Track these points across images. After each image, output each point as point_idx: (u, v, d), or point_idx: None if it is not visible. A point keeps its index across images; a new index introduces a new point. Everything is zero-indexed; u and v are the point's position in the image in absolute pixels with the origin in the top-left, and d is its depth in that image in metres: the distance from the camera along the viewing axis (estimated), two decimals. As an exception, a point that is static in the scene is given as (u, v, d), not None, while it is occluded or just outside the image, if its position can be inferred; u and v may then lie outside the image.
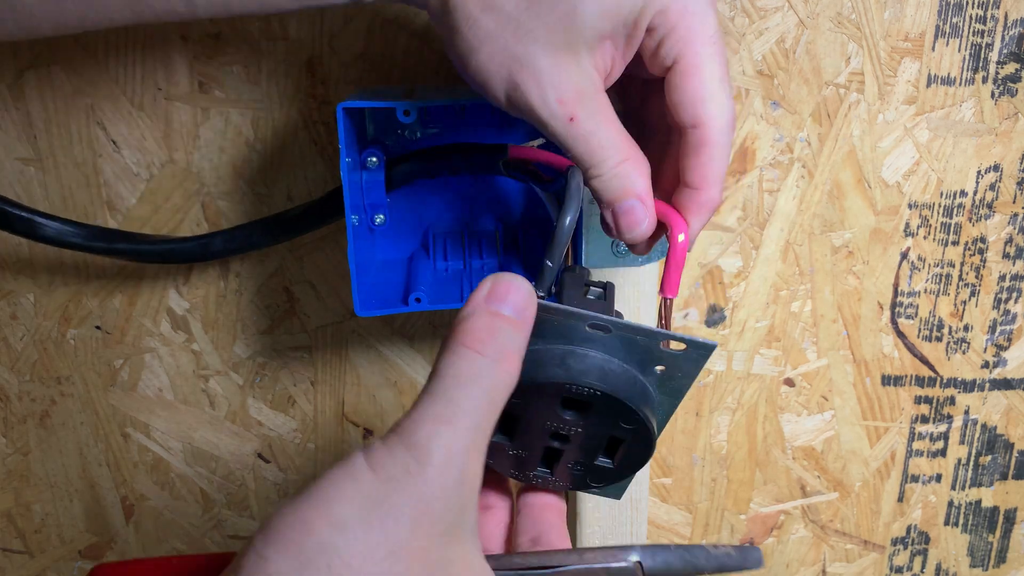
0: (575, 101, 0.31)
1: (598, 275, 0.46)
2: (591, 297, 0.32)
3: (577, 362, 0.29)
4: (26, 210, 0.41)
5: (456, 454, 0.24)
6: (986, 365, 0.55)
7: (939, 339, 0.54)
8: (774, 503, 0.57)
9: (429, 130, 0.42)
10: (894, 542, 0.59)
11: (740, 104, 0.48)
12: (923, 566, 0.60)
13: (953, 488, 0.58)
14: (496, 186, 0.44)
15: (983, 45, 0.48)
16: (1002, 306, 0.54)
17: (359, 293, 0.40)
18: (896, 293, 0.53)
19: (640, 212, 0.32)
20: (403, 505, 0.23)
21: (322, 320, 0.50)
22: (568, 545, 0.33)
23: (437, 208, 0.44)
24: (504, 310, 0.26)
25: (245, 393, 0.52)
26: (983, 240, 0.52)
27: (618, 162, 0.31)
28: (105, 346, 0.50)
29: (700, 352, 0.30)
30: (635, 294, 0.47)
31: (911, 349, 0.54)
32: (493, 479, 0.35)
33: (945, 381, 0.55)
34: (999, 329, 0.54)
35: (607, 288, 0.32)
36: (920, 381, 0.55)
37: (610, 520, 0.51)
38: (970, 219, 0.52)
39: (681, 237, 0.32)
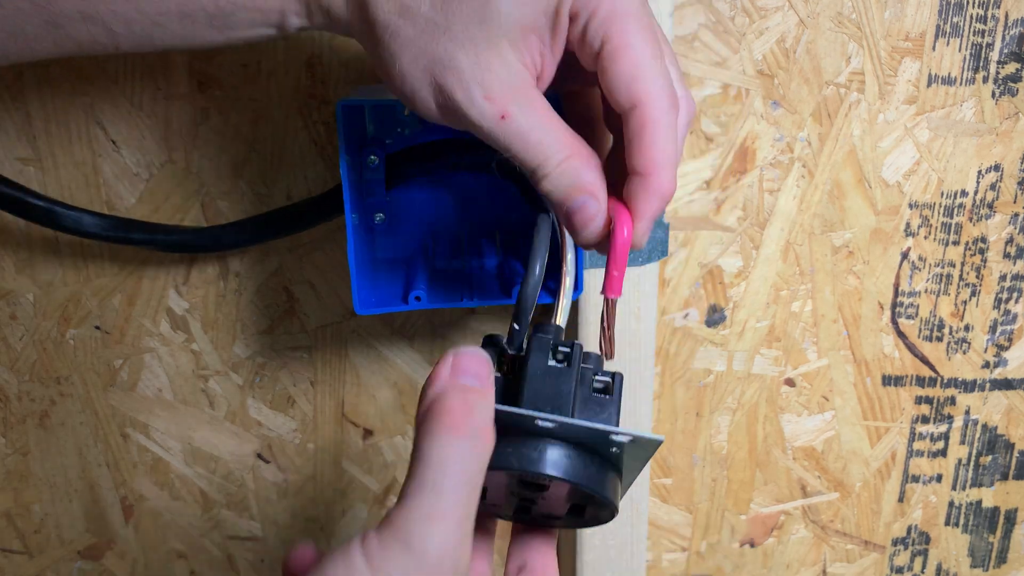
0: (504, 97, 0.29)
1: (597, 276, 0.46)
2: (557, 364, 0.31)
3: (530, 450, 0.30)
4: (45, 199, 0.43)
5: (450, 549, 0.25)
6: (987, 365, 0.55)
7: (939, 339, 0.54)
8: (774, 503, 0.57)
9: (429, 128, 0.41)
10: (894, 542, 0.59)
11: (740, 104, 0.48)
12: (923, 566, 0.60)
13: (954, 488, 0.58)
14: (496, 185, 0.44)
15: (983, 45, 0.48)
16: (1003, 306, 0.53)
17: (358, 292, 0.40)
18: (896, 293, 0.53)
19: (592, 207, 0.30)
20: None
21: (322, 320, 0.50)
22: (555, 572, 0.34)
23: (437, 207, 0.44)
24: (469, 381, 0.27)
25: (245, 393, 0.52)
26: (984, 240, 0.52)
27: (564, 158, 0.30)
28: (105, 346, 0.50)
29: (647, 446, 0.30)
30: (636, 295, 0.47)
31: (911, 349, 0.54)
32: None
33: (945, 381, 0.55)
34: (1000, 329, 0.54)
35: (574, 349, 0.31)
36: (920, 381, 0.55)
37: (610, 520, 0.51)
38: (971, 219, 0.51)
39: (625, 231, 0.30)
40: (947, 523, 0.59)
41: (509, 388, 0.32)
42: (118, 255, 0.48)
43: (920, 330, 0.54)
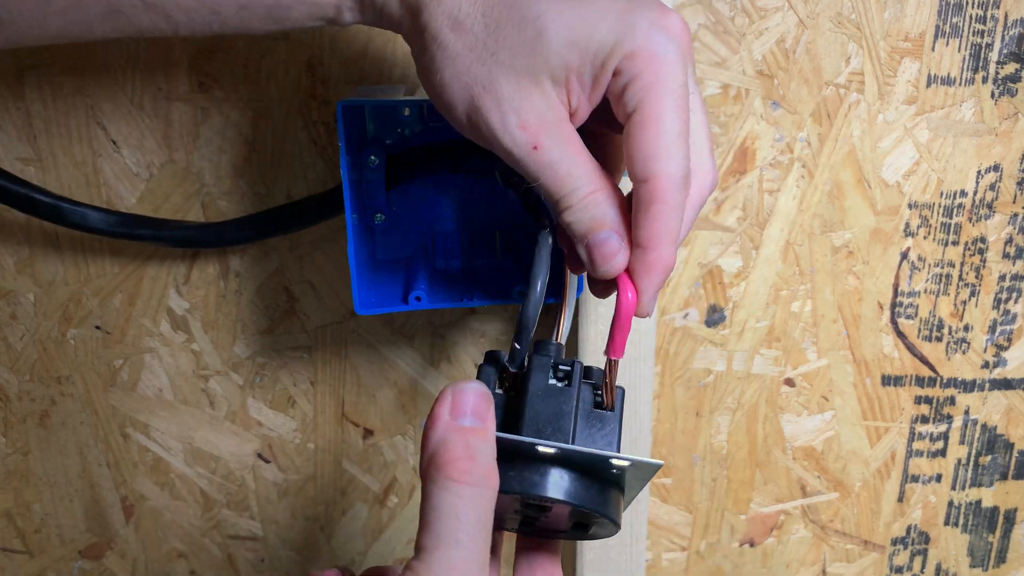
0: (538, 128, 0.30)
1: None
2: (557, 383, 0.32)
3: (532, 473, 0.30)
4: (51, 195, 0.43)
5: None
6: (986, 365, 0.55)
7: (939, 339, 0.54)
8: (774, 503, 0.57)
9: (429, 128, 0.42)
10: (894, 542, 0.59)
11: (740, 104, 0.48)
12: (923, 566, 0.60)
13: (953, 488, 0.58)
14: (497, 185, 0.44)
15: (983, 45, 0.48)
16: (1002, 306, 0.54)
17: (359, 292, 0.40)
18: (896, 293, 0.53)
19: (615, 243, 0.31)
20: None
21: (322, 320, 0.50)
22: None
23: (437, 207, 0.44)
24: (469, 422, 0.28)
25: (245, 393, 0.52)
26: (983, 240, 0.52)
27: (589, 192, 0.30)
28: (105, 346, 0.50)
29: (646, 469, 0.31)
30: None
31: (911, 349, 0.54)
32: None
33: (945, 381, 0.55)
34: (999, 329, 0.54)
35: (574, 367, 0.32)
36: (920, 381, 0.55)
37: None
38: (970, 219, 0.52)
39: (630, 295, 0.31)
40: (947, 523, 0.59)
41: (510, 406, 0.32)
42: (119, 255, 0.48)
43: (920, 330, 0.54)
